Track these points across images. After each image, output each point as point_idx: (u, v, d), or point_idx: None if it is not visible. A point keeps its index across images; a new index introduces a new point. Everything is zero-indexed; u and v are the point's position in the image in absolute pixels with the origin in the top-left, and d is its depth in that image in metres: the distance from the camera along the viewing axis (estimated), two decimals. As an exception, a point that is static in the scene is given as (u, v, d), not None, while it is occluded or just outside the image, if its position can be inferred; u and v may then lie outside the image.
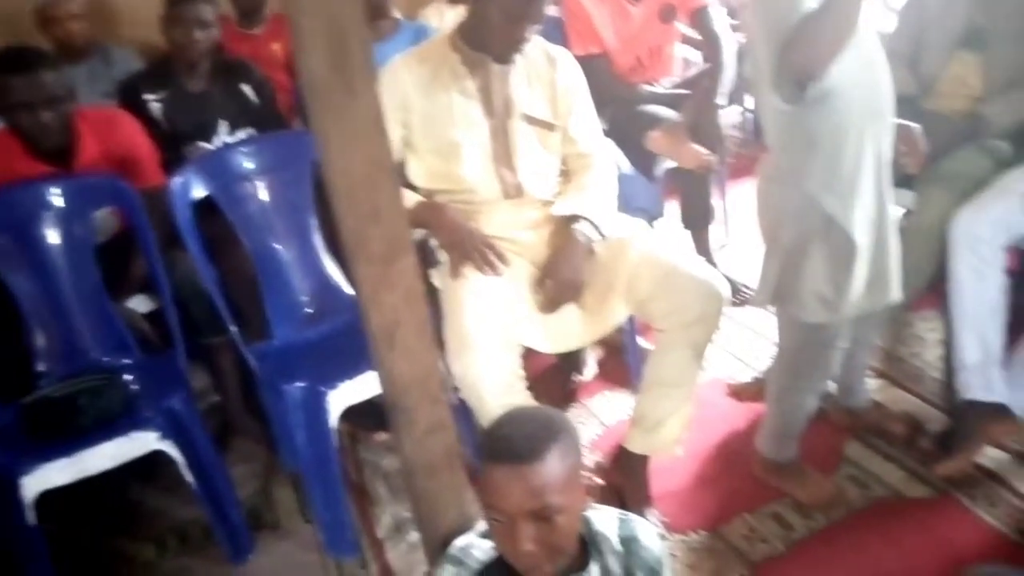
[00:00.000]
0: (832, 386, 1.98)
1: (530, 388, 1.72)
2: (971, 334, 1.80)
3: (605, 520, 1.17)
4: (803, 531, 1.73)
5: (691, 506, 1.84)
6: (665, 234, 2.61)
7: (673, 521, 1.80)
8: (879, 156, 1.49)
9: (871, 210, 1.50)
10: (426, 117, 1.80)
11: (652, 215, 2.39)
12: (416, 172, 1.86)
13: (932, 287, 1.93)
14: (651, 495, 1.82)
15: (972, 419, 1.79)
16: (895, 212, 1.61)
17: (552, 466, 1.02)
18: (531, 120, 1.86)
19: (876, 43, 1.48)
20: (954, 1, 2.06)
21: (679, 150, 2.43)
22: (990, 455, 1.84)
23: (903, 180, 2.05)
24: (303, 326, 1.97)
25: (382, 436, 2.10)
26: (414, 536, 1.82)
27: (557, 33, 2.50)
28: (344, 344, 1.80)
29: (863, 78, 1.43)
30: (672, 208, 2.69)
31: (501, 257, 1.76)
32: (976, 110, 2.03)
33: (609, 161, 2.02)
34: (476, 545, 1.17)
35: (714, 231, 2.78)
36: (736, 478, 1.89)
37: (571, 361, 2.32)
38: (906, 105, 2.03)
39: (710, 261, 2.62)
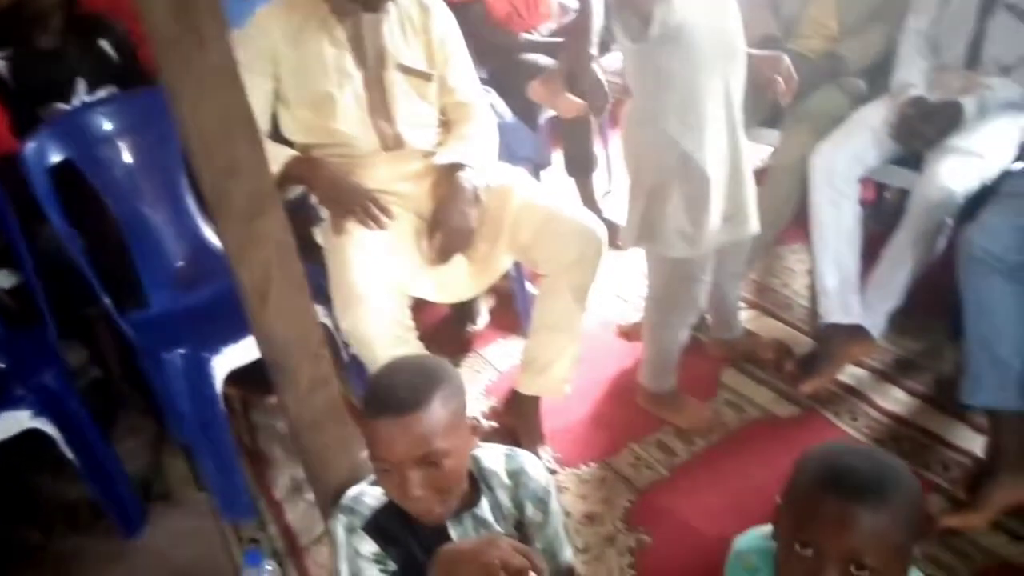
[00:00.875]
0: (708, 319, 2.08)
1: (425, 340, 1.74)
2: (830, 262, 1.93)
3: (493, 457, 1.21)
4: (685, 455, 1.84)
5: (581, 441, 1.92)
6: (551, 183, 2.66)
7: (565, 456, 1.87)
8: (729, 94, 1.56)
9: (724, 146, 1.57)
10: (297, 69, 1.75)
11: (537, 164, 2.42)
12: (290, 126, 1.82)
13: (799, 220, 2.05)
14: (543, 433, 1.89)
15: (833, 341, 1.93)
16: (749, 149, 1.69)
17: (435, 413, 1.05)
18: (407, 70, 1.84)
19: None
20: (807, -55, 2.15)
21: (556, 100, 2.46)
22: (851, 372, 1.99)
23: (769, 119, 2.16)
24: (180, 291, 1.91)
25: (274, 399, 2.07)
26: (313, 495, 1.82)
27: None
28: (225, 307, 1.73)
29: (709, 17, 1.48)
30: (558, 157, 2.73)
31: (384, 210, 1.75)
32: (833, 50, 2.14)
33: (489, 110, 2.02)
34: (367, 493, 1.19)
35: (598, 178, 2.84)
36: (623, 411, 1.98)
37: (465, 311, 2.35)
38: (770, 46, 2.12)
39: (595, 208, 2.68)
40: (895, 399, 1.93)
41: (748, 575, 1.10)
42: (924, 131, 1.84)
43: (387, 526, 1.15)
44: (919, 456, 1.76)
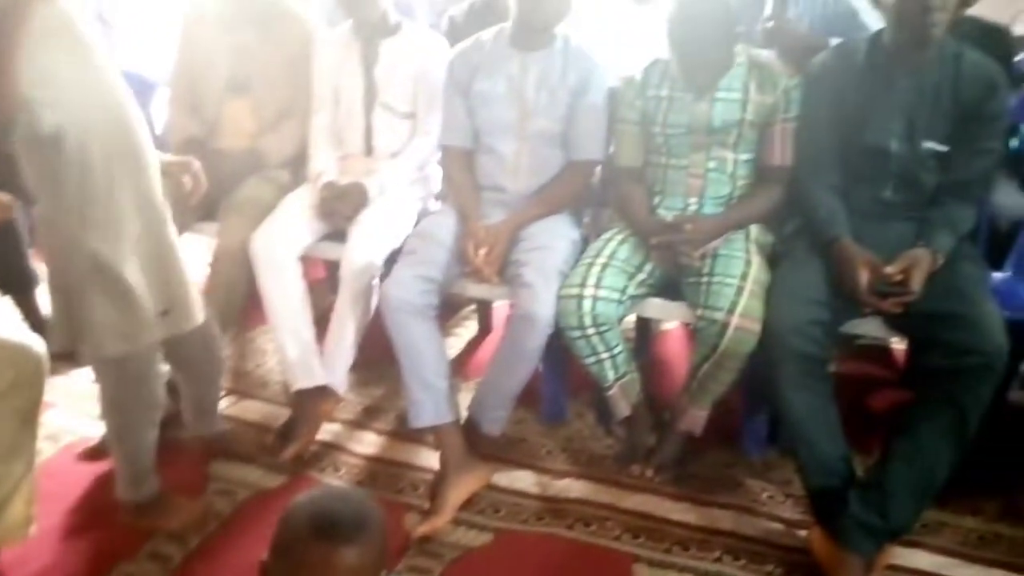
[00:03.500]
0: (185, 417, 2.06)
1: None
2: (288, 335, 2.10)
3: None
4: (180, 557, 1.78)
5: (59, 580, 1.72)
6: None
7: (39, 606, 1.65)
8: (144, 195, 1.61)
9: (145, 246, 1.61)
10: None
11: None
12: None
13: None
14: (7, 589, 1.64)
15: (306, 405, 2.10)
16: (180, 243, 1.74)
17: None
18: None
19: (122, 85, 1.59)
20: (216, 52, 2.34)
21: None
22: (327, 429, 2.18)
23: (209, 213, 2.26)
24: None
25: None
26: None
27: None
28: None
29: (105, 119, 1.52)
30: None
31: None
32: (254, 146, 2.36)
33: None
34: None
35: (42, 294, 2.59)
36: (106, 535, 1.83)
37: None
38: (194, 146, 2.26)
39: (41, 326, 2.44)
40: (368, 442, 2.17)
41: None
42: (340, 210, 2.15)
43: None
44: (395, 484, 2.01)
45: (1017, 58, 2.45)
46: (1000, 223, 2.10)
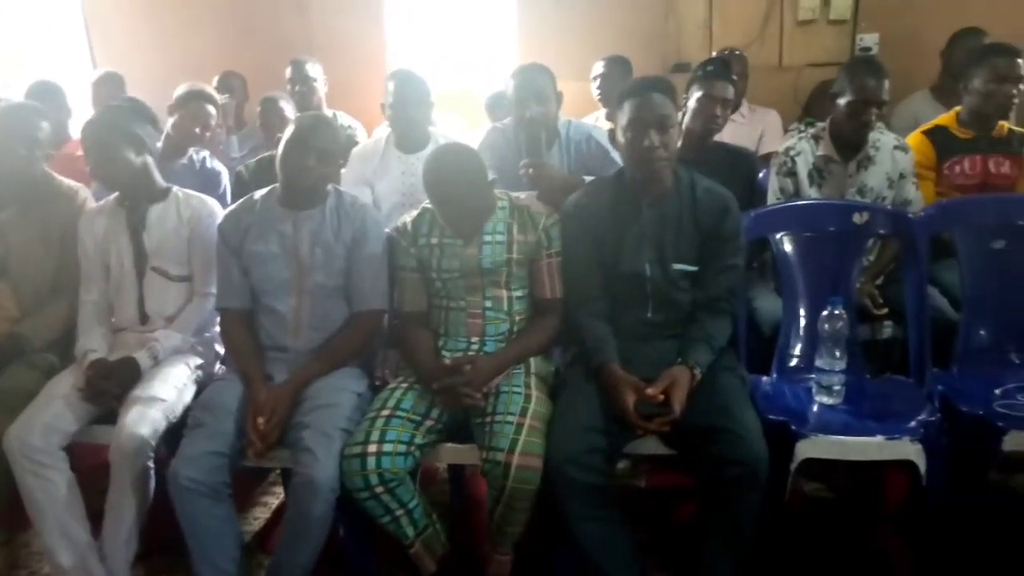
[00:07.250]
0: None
1: None
2: (56, 538, 1.90)
3: None
4: None
5: None
6: None
7: None
8: None
9: None
10: None
11: None
12: None
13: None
14: None
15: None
16: None
17: None
18: None
19: None
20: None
21: None
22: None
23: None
24: None
25: None
26: None
27: None
28: None
29: None
30: None
31: None
32: (16, 330, 2.18)
33: None
34: None
35: None
36: None
37: None
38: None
39: None
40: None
41: None
42: (107, 388, 1.99)
43: None
44: None
45: (761, 175, 2.73)
46: (763, 328, 2.27)
